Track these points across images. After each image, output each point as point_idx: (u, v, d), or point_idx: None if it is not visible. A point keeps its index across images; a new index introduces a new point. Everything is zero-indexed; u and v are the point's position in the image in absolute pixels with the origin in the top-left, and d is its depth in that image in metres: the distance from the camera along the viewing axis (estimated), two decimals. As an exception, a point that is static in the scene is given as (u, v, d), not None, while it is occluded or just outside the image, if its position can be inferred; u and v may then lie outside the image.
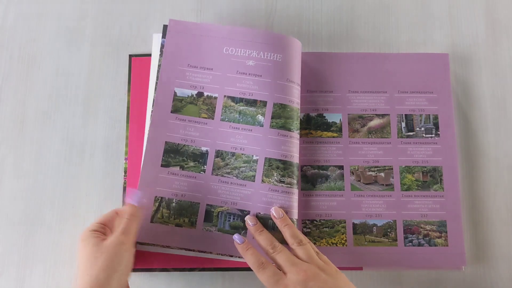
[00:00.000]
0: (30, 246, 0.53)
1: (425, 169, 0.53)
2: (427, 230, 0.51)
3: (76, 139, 0.55)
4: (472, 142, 0.55)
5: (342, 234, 0.51)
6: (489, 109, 0.56)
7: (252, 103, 0.52)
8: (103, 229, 0.45)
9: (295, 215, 0.50)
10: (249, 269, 0.51)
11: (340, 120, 0.54)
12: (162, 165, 0.50)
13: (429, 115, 0.54)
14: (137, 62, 0.57)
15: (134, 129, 0.55)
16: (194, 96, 0.52)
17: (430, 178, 0.52)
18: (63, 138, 0.56)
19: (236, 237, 0.47)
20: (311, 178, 0.53)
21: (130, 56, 0.57)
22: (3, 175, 0.55)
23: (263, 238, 0.47)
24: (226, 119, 0.51)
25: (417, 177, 0.53)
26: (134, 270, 0.50)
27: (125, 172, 0.54)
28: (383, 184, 0.52)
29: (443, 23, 0.59)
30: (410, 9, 0.59)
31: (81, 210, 0.53)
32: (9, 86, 0.57)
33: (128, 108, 0.56)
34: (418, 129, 0.54)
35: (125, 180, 0.54)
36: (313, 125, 0.54)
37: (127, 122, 0.55)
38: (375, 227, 0.51)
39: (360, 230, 0.51)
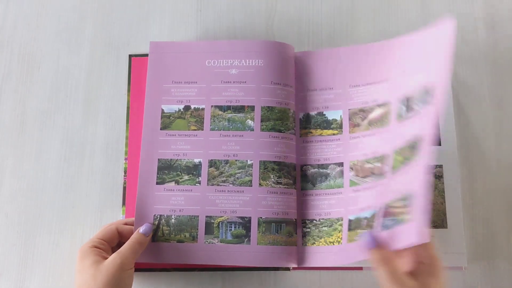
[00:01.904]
0: (30, 247, 0.53)
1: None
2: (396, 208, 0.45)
3: (76, 139, 0.55)
4: (472, 142, 0.55)
5: (339, 232, 0.50)
6: (489, 109, 0.56)
7: (240, 109, 0.52)
8: (103, 245, 0.45)
9: (294, 215, 0.50)
10: (248, 269, 0.52)
11: (340, 116, 0.53)
12: (157, 183, 0.51)
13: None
14: (137, 62, 0.57)
15: (134, 129, 0.55)
16: (182, 110, 0.52)
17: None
18: (63, 138, 0.56)
19: (368, 236, 0.42)
20: (311, 178, 0.52)
21: (130, 56, 0.57)
22: (3, 175, 0.55)
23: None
24: (216, 128, 0.52)
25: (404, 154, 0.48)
26: (134, 270, 0.50)
27: (125, 172, 0.54)
28: (378, 174, 0.50)
29: (443, 23, 0.59)
30: (410, 9, 0.59)
31: (81, 210, 0.53)
32: (9, 86, 0.57)
33: (128, 108, 0.56)
34: (416, 106, 0.48)
35: (125, 180, 0.54)
36: (313, 124, 0.54)
37: (127, 122, 0.55)
38: (366, 220, 0.49)
39: (354, 225, 0.49)
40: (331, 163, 0.52)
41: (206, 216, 0.50)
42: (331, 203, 0.51)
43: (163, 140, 0.52)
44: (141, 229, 0.47)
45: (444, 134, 0.53)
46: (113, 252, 0.45)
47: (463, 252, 0.51)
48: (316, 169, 0.53)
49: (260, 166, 0.50)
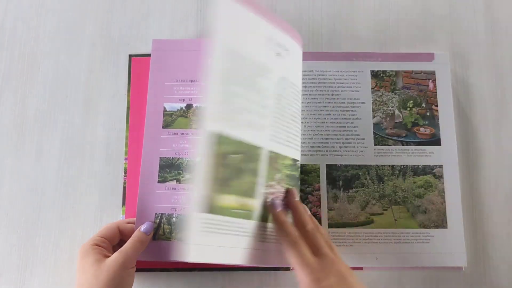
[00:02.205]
0: (30, 247, 0.53)
1: None
2: None
3: (76, 139, 0.55)
4: (472, 142, 0.55)
5: None
6: (489, 109, 0.56)
7: None
8: (104, 243, 0.45)
9: None
10: (248, 269, 0.52)
11: None
12: (159, 181, 0.50)
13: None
14: (137, 62, 0.57)
15: (134, 129, 0.55)
16: (184, 109, 0.52)
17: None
18: (63, 138, 0.56)
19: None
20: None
21: (130, 56, 0.57)
22: (3, 175, 0.55)
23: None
24: None
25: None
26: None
27: (125, 172, 0.54)
28: None
29: (443, 23, 0.59)
30: (410, 9, 0.59)
31: (81, 210, 0.53)
32: (9, 86, 0.57)
33: (128, 108, 0.56)
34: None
35: (125, 180, 0.54)
36: None
37: (127, 122, 0.55)
38: None
39: None
40: None
41: None
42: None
43: (164, 139, 0.52)
44: (142, 228, 0.47)
45: (444, 134, 0.53)
46: (114, 251, 0.45)
47: (463, 252, 0.51)
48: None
49: None
